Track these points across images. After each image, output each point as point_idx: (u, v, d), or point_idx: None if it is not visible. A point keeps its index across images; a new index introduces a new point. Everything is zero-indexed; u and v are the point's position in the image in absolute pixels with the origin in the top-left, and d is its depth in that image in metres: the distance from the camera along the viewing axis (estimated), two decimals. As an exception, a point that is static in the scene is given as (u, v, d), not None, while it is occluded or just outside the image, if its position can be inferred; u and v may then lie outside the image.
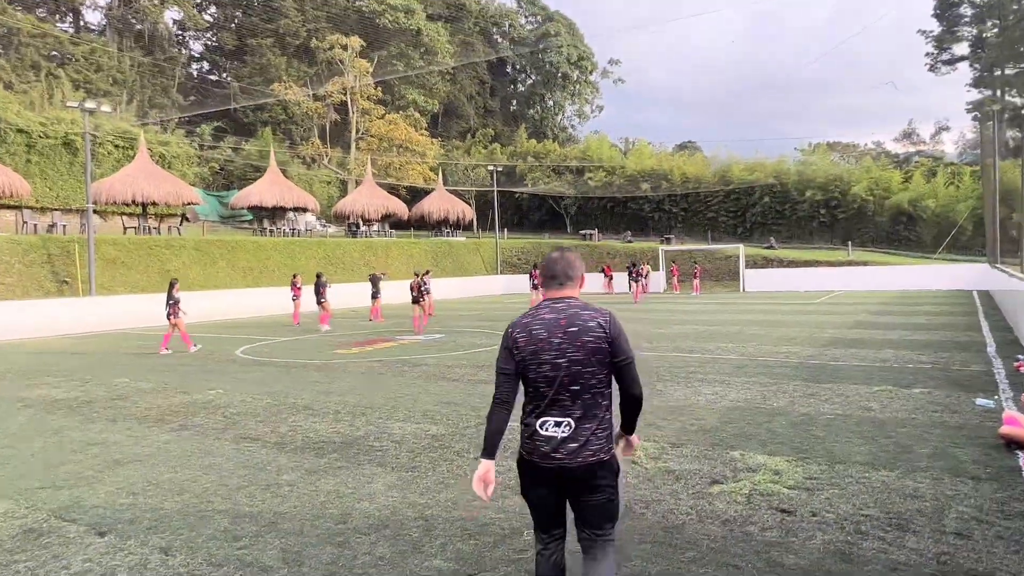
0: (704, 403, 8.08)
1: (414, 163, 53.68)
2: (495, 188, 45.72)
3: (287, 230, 36.54)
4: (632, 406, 3.16)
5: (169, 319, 14.59)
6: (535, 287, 21.31)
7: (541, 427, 3.07)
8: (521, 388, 3.14)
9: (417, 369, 11.40)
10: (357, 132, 53.12)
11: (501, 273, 42.69)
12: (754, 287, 35.03)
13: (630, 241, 45.83)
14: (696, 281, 34.46)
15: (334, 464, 6.07)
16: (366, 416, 8.02)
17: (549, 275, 3.23)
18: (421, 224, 47.55)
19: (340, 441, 6.85)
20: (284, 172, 47.55)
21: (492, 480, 3.08)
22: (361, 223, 41.02)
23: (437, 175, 49.35)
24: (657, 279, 36.93)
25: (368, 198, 40.37)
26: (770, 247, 41.98)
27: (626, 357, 3.08)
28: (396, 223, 46.83)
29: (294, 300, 21.45)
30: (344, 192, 49.85)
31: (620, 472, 3.09)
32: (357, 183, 47.21)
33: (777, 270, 36.33)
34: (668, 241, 44.58)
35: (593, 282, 36.88)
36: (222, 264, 28.83)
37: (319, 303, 19.60)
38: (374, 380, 10.40)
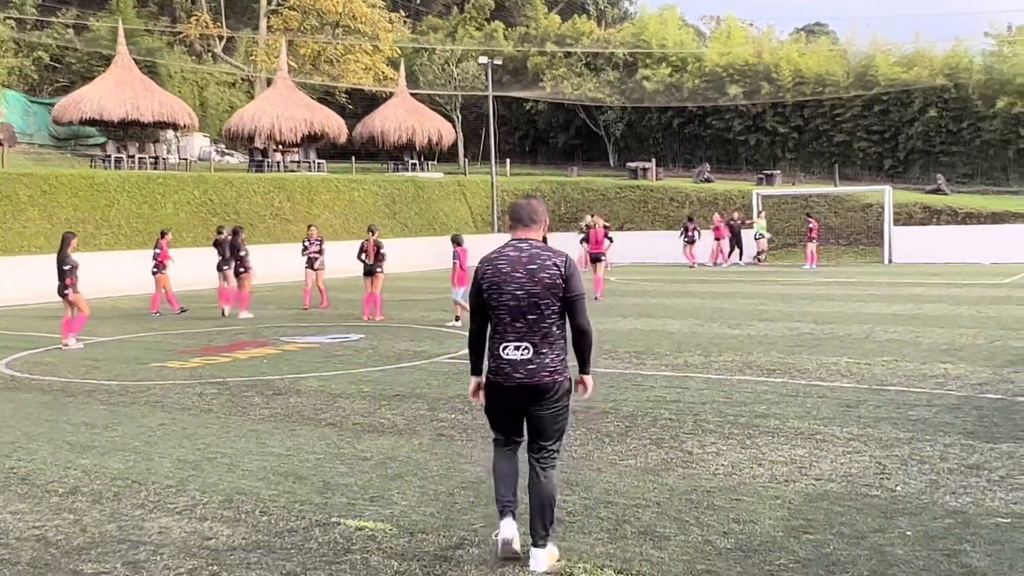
0: (765, 481, 6.85)
1: (360, 52, 52.18)
2: (491, 93, 44.16)
3: (158, 159, 35.33)
4: (581, 339, 5.31)
5: (65, 296, 15.56)
6: (592, 259, 23.18)
7: (503, 351, 5.20)
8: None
9: (276, 402, 10.41)
10: (269, 0, 51.60)
11: (500, 231, 41.42)
12: (906, 255, 34.41)
13: (708, 179, 44.53)
14: (811, 246, 33.08)
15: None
16: (119, 500, 6.84)
17: (515, 217, 5.41)
18: (371, 151, 46.50)
19: (27, 562, 5.61)
20: (150, 68, 46.37)
21: (482, 394, 5.42)
22: (271, 149, 39.74)
23: (398, 72, 47.81)
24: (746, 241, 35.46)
25: (281, 108, 39.18)
26: (936, 191, 40.67)
27: (577, 293, 5.22)
28: (330, 150, 45.94)
29: (155, 272, 21.21)
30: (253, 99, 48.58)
31: (571, 393, 5.32)
32: (270, 83, 45.80)
33: (946, 228, 35.76)
34: (769, 180, 43.16)
35: (655, 243, 36.25)
36: (33, 214, 27.91)
37: (238, 273, 20.27)
38: (183, 423, 9.43)
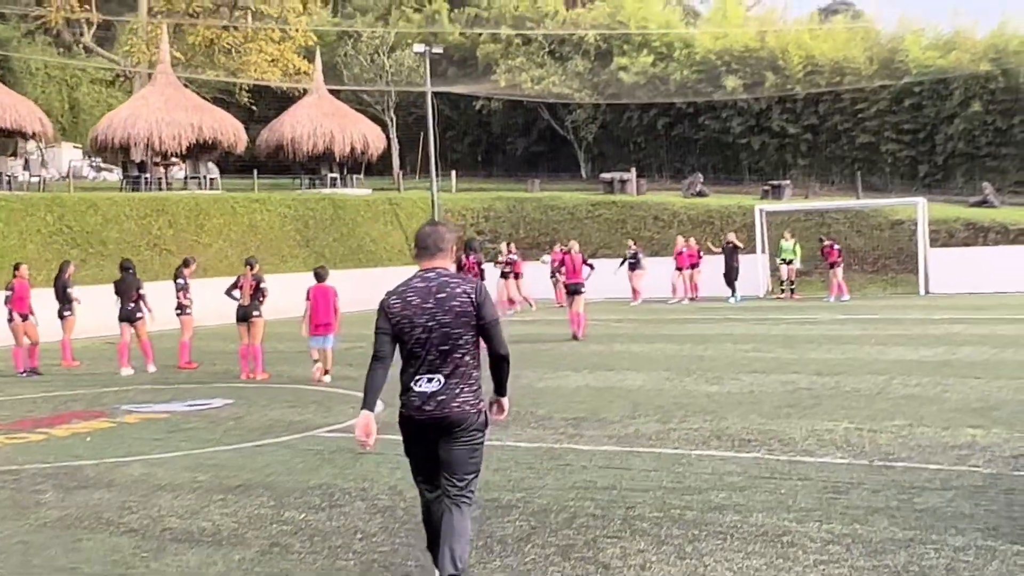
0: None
1: (265, 40, 51.48)
2: (429, 88, 43.64)
3: (2, 176, 34.33)
4: (498, 365, 6.19)
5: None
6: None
7: (415, 384, 6.04)
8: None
9: (74, 498, 9.62)
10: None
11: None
12: (946, 283, 33.97)
13: (701, 193, 44.13)
14: (835, 273, 32.62)
15: None
16: None
17: (421, 246, 6.26)
18: (278, 164, 45.71)
19: None
20: (0, 64, 45.48)
21: (373, 431, 6.09)
22: (150, 163, 38.85)
23: (313, 64, 47.13)
24: (752, 267, 34.92)
25: (161, 110, 38.27)
26: (983, 202, 40.51)
27: (491, 319, 6.11)
28: (235, 163, 44.99)
29: (9, 321, 20.60)
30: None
31: (487, 428, 6.21)
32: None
33: (995, 249, 35.32)
34: (777, 193, 42.80)
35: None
36: None
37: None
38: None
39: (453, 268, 6.32)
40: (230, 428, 13.04)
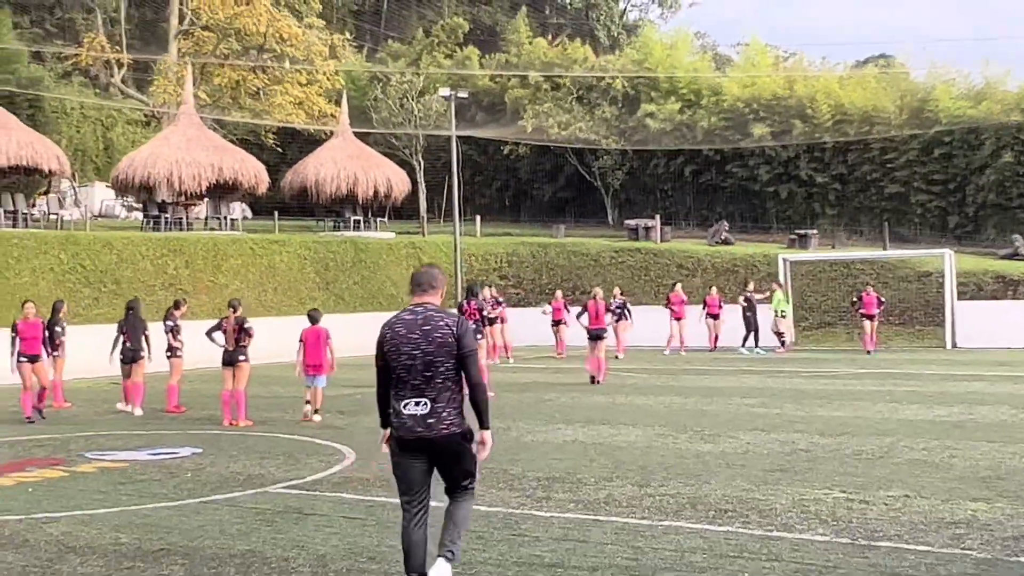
0: None
1: (290, 82, 51.10)
2: (454, 132, 42.94)
3: (16, 214, 33.89)
4: (475, 392, 6.90)
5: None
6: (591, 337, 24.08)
7: (404, 407, 6.81)
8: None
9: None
10: (181, 19, 50.70)
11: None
12: (975, 338, 32.86)
13: (725, 240, 43.06)
14: (870, 327, 31.58)
15: None
16: None
17: (416, 283, 7.14)
18: (303, 205, 45.16)
19: None
20: (31, 103, 45.36)
21: (385, 438, 7.10)
22: (171, 203, 38.34)
23: (340, 107, 46.67)
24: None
25: (182, 150, 37.77)
26: (1014, 255, 39.17)
27: (469, 349, 6.88)
28: (266, 205, 44.46)
29: (17, 363, 18.99)
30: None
31: (472, 439, 6.94)
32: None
33: (1023, 303, 34.50)
34: (803, 242, 41.69)
35: (658, 320, 34.02)
36: None
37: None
38: None
39: (439, 304, 7.09)
40: (183, 481, 12.12)
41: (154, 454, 14.22)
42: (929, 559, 7.90)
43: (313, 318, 17.88)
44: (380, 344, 6.97)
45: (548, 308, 33.93)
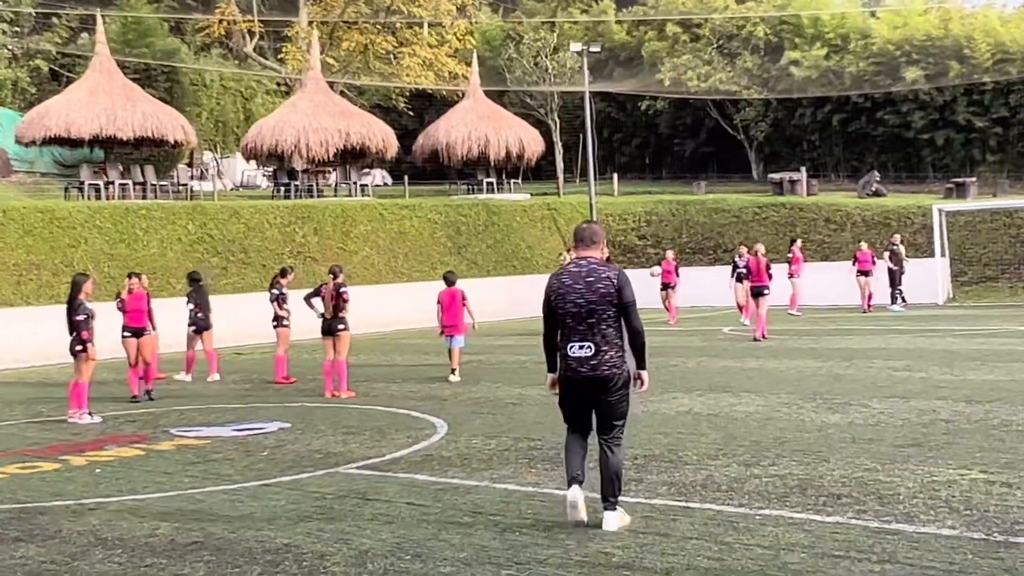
0: None
1: (420, 44, 50.31)
2: (587, 88, 41.60)
3: (148, 186, 34.10)
4: (635, 338, 7.64)
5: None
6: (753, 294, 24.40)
7: (570, 350, 7.56)
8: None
9: None
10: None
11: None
12: None
13: (877, 192, 40.70)
14: None
15: None
16: None
17: (578, 239, 7.84)
18: (436, 169, 44.46)
19: None
20: (168, 75, 45.77)
21: (553, 382, 7.90)
22: (299, 169, 38.12)
23: (471, 67, 45.73)
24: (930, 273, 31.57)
25: (309, 117, 37.42)
26: None
27: (629, 300, 7.54)
28: (409, 171, 44.34)
29: (125, 337, 17.87)
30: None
31: (630, 383, 7.68)
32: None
33: None
34: (961, 191, 39.11)
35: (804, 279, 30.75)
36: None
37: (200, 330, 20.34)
38: None
39: (600, 258, 7.77)
40: (255, 461, 11.36)
41: (239, 430, 13.55)
42: (1080, 562, 6.47)
43: (449, 280, 18.24)
44: (548, 294, 7.73)
45: (657, 270, 30.62)
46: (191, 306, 20.06)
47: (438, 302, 18.15)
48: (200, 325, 19.98)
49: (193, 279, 20.59)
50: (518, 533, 7.72)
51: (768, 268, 23.79)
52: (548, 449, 11.09)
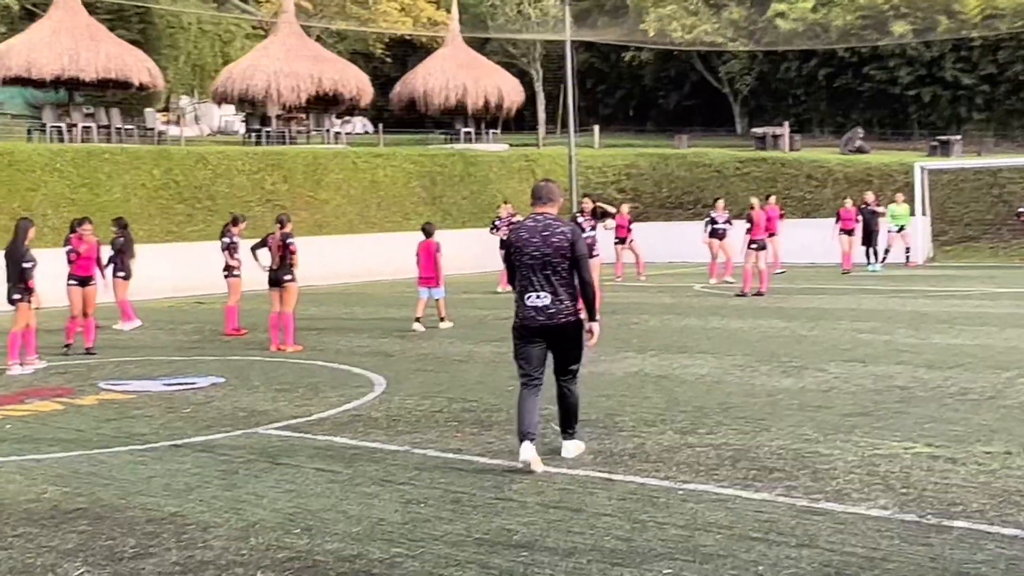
0: None
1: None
2: (568, 36, 40.80)
3: (113, 129, 33.29)
4: (585, 289, 8.17)
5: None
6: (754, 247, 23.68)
7: (527, 300, 8.09)
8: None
9: None
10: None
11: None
12: None
13: (859, 149, 40.14)
14: None
15: None
16: None
17: (536, 196, 8.40)
18: (414, 117, 43.74)
19: None
20: (141, 17, 44.77)
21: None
22: (273, 115, 37.30)
23: (450, 14, 44.84)
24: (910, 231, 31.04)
25: (281, 61, 36.53)
26: None
27: (581, 253, 8.12)
28: (387, 119, 43.47)
29: (73, 284, 17.13)
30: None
31: (582, 328, 8.23)
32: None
33: None
34: (945, 149, 38.51)
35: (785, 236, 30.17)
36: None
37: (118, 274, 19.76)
38: None
39: (555, 214, 8.27)
40: (173, 419, 10.82)
41: (169, 384, 13.01)
42: (1014, 549, 5.97)
43: (426, 231, 18.40)
44: (507, 246, 8.72)
45: (611, 223, 29.83)
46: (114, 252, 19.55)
47: (416, 254, 18.28)
48: (128, 273, 19.70)
49: (121, 225, 20.10)
50: (423, 505, 7.22)
51: (771, 220, 24.67)
52: (481, 411, 10.62)
